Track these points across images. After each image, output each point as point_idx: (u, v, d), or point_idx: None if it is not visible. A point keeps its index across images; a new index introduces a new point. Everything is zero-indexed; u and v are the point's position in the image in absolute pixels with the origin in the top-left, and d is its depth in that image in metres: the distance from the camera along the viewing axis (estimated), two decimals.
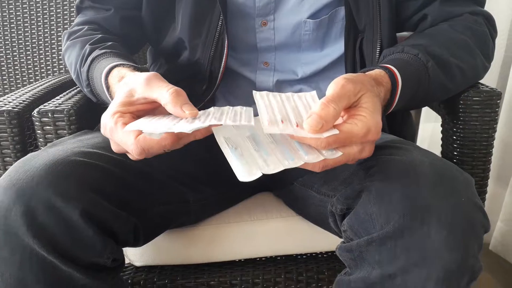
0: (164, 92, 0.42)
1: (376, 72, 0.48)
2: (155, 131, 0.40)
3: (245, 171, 0.38)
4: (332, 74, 0.66)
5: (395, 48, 0.55)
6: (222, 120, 0.41)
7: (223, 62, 0.61)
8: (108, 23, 0.66)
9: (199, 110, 0.67)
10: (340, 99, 0.40)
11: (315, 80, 0.67)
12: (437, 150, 0.68)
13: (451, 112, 0.62)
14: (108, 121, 0.42)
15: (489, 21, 0.62)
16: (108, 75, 0.53)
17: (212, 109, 0.45)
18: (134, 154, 0.41)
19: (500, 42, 1.12)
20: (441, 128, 0.66)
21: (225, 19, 0.59)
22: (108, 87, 0.53)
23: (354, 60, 0.62)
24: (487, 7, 0.97)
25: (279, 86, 0.67)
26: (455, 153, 0.62)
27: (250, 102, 0.68)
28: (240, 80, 0.67)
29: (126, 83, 0.46)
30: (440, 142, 0.67)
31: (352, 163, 0.43)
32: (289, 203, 0.68)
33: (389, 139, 0.56)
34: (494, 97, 0.59)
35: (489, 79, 1.13)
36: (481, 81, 0.64)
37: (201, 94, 0.64)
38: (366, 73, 0.48)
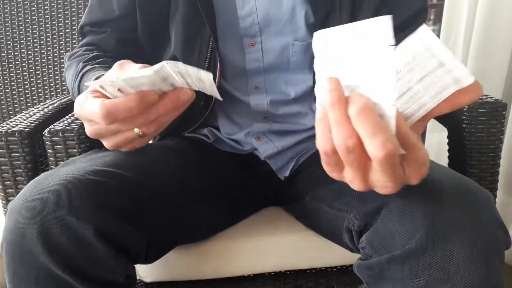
0: (134, 67, 0.42)
1: None
2: (113, 83, 0.38)
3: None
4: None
5: None
6: (181, 68, 0.40)
7: (217, 79, 0.62)
8: (104, 43, 0.68)
9: (199, 126, 0.69)
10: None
11: (308, 99, 0.67)
12: (444, 160, 0.68)
13: (457, 124, 0.62)
14: (80, 99, 0.42)
15: None
16: None
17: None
18: (99, 117, 0.40)
19: (504, 53, 1.12)
20: (446, 138, 0.67)
21: (215, 40, 0.60)
22: None
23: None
24: (492, 21, 0.98)
25: (275, 107, 0.67)
26: (462, 164, 0.62)
27: (250, 119, 0.70)
28: (236, 102, 0.68)
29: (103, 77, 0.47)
30: (447, 152, 0.68)
31: (393, 188, 0.35)
32: (300, 218, 0.68)
33: None
34: (499, 108, 0.59)
35: (495, 90, 1.14)
36: (486, 92, 0.64)
37: (199, 110, 0.65)
38: None
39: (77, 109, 0.43)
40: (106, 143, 0.44)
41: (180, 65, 0.39)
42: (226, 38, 0.62)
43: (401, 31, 0.59)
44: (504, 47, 1.12)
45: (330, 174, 0.35)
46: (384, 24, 0.30)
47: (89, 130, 0.44)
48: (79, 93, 0.59)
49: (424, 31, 0.32)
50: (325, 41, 0.35)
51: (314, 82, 0.64)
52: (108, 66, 0.59)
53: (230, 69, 0.65)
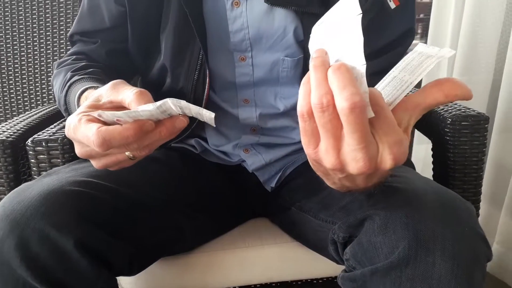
0: (128, 93, 0.42)
1: None
2: (114, 115, 0.39)
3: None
4: None
5: None
6: (184, 105, 0.40)
7: (206, 91, 0.62)
8: (94, 54, 0.67)
9: (186, 136, 0.68)
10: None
11: (296, 113, 0.67)
12: (430, 172, 0.69)
13: (441, 136, 0.63)
14: (72, 120, 0.41)
15: None
16: (80, 98, 0.53)
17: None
18: (95, 145, 0.39)
19: (489, 66, 1.14)
20: (431, 151, 0.67)
21: (205, 53, 0.60)
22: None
23: None
24: (476, 35, 1.00)
25: (264, 120, 0.67)
26: (446, 176, 0.63)
27: (238, 131, 0.70)
28: (225, 114, 0.68)
29: (93, 94, 0.46)
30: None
31: (368, 170, 0.33)
32: (286, 229, 0.68)
33: None
34: (482, 121, 0.60)
35: (479, 103, 1.16)
36: (470, 106, 0.65)
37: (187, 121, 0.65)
38: None
39: (69, 131, 0.41)
40: (95, 163, 0.43)
41: (183, 102, 0.40)
42: (217, 51, 0.62)
43: (390, 51, 0.60)
44: (488, 62, 1.14)
45: (307, 149, 0.35)
46: None
47: (79, 151, 0.43)
48: (65, 102, 0.58)
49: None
50: (315, 31, 0.38)
51: None
52: (97, 78, 0.58)
53: (220, 82, 0.65)
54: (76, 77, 0.58)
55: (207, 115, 0.42)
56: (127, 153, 0.42)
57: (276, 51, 0.62)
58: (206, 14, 0.60)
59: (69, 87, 0.58)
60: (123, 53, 0.67)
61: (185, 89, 0.63)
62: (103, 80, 0.58)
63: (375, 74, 0.62)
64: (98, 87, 0.53)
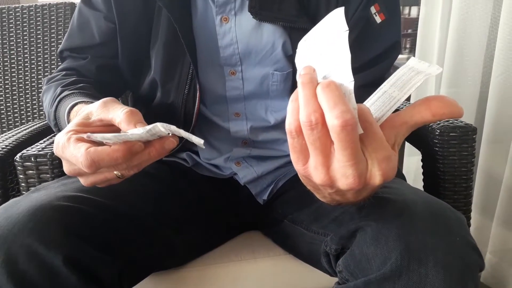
0: (118, 112, 0.42)
1: None
2: (104, 138, 0.39)
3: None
4: None
5: None
6: (173, 130, 0.41)
7: (196, 105, 0.62)
8: (84, 70, 0.67)
9: (178, 150, 0.68)
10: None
11: None
12: (421, 183, 0.69)
13: (430, 148, 0.64)
14: (61, 138, 0.41)
15: None
16: (70, 113, 0.53)
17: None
18: (83, 166, 0.39)
19: (475, 79, 1.17)
20: (421, 162, 0.68)
21: (195, 68, 0.61)
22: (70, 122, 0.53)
23: None
24: (462, 48, 1.02)
25: (255, 133, 0.68)
26: (437, 187, 0.63)
27: (229, 144, 0.70)
28: (216, 128, 0.68)
29: (83, 110, 0.46)
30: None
31: (357, 186, 0.33)
32: (279, 241, 0.68)
33: None
34: (469, 132, 0.61)
35: (467, 115, 1.17)
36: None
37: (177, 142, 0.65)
38: None
39: (58, 150, 0.41)
40: (83, 181, 0.43)
41: (172, 127, 0.41)
42: (207, 66, 0.63)
43: (377, 64, 0.61)
44: (475, 75, 1.17)
45: (296, 165, 0.35)
46: (338, 15, 0.33)
47: (68, 170, 0.43)
48: (55, 117, 0.58)
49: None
50: (301, 47, 0.38)
51: None
52: (87, 93, 0.58)
53: (210, 96, 0.65)
54: (66, 92, 0.58)
55: (196, 141, 0.42)
56: (115, 172, 0.42)
57: (266, 65, 0.62)
58: (196, 30, 0.61)
59: (59, 102, 0.58)
60: (113, 68, 0.67)
61: (175, 103, 0.63)
62: (93, 95, 0.58)
63: (362, 87, 0.63)
64: (88, 102, 0.53)
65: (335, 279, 0.52)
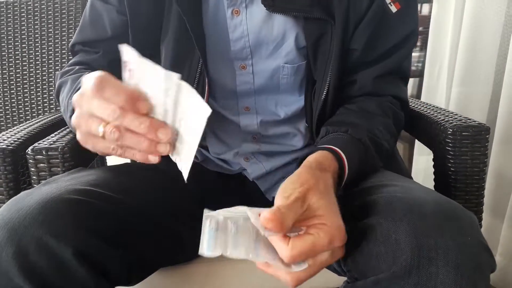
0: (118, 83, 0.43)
1: (323, 154, 0.49)
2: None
3: (209, 246, 0.37)
4: (304, 118, 0.67)
5: (338, 126, 0.56)
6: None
7: (204, 99, 0.62)
8: (97, 64, 0.68)
9: None
10: (289, 207, 0.38)
11: (297, 120, 0.68)
12: (431, 182, 0.69)
13: (442, 147, 0.63)
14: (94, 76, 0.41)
15: (405, 106, 0.66)
16: None
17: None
18: (90, 88, 0.40)
19: (488, 78, 1.15)
20: (433, 162, 0.67)
21: (204, 62, 0.61)
22: None
23: (311, 107, 0.64)
24: (475, 46, 1.01)
25: (265, 127, 0.67)
26: (448, 187, 0.63)
27: (239, 139, 0.70)
28: (226, 122, 0.68)
29: None
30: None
31: (326, 265, 0.42)
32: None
33: (388, 176, 0.56)
34: (483, 132, 0.60)
35: (480, 114, 1.16)
36: (470, 117, 0.65)
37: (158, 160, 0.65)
38: (310, 159, 0.48)
39: (78, 96, 0.42)
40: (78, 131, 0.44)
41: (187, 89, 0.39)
42: (217, 60, 0.63)
43: (394, 53, 0.61)
44: (487, 73, 1.15)
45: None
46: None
47: (83, 127, 0.43)
48: (73, 110, 0.58)
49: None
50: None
51: (304, 103, 0.65)
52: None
53: (220, 91, 0.65)
54: None
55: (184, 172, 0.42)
56: (99, 127, 0.41)
57: (276, 58, 0.62)
58: (206, 24, 0.61)
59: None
60: None
61: None
62: None
63: (380, 77, 0.63)
64: None
65: (343, 278, 0.52)
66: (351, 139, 0.53)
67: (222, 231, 0.38)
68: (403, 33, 0.61)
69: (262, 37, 0.61)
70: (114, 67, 0.68)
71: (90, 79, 0.41)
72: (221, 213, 0.40)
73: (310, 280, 0.65)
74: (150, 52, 0.65)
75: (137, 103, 0.40)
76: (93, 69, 0.67)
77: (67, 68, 0.68)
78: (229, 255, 0.37)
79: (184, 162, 0.42)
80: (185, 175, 0.42)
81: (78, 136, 0.44)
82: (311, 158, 0.48)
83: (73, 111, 0.58)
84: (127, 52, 0.41)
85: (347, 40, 0.60)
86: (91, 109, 0.41)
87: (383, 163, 0.59)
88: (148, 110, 0.41)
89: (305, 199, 0.40)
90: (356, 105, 0.62)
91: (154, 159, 0.42)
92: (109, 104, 0.40)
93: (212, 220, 0.38)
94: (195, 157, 0.71)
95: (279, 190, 0.41)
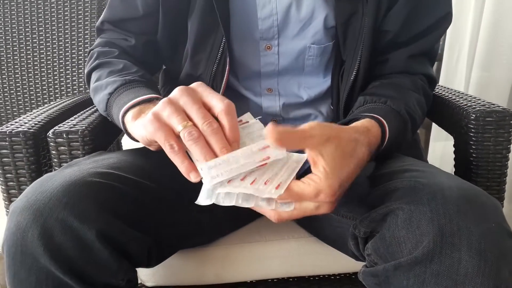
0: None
1: (371, 122, 0.50)
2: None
3: (202, 196, 0.43)
4: (329, 99, 0.67)
5: (377, 97, 0.56)
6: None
7: (224, 79, 0.62)
8: (132, 50, 0.67)
9: None
10: (299, 135, 0.40)
11: (319, 102, 0.67)
12: (448, 169, 0.67)
13: (463, 133, 0.62)
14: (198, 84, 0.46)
15: (433, 85, 0.67)
16: (124, 117, 0.54)
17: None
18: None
19: (510, 62, 1.12)
20: (451, 147, 0.66)
21: (228, 41, 0.60)
22: (123, 122, 0.54)
23: (338, 89, 0.64)
24: (496, 30, 0.98)
25: (286, 110, 0.67)
26: (468, 173, 0.62)
27: (260, 120, 0.69)
28: (247, 103, 0.67)
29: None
30: (451, 161, 0.67)
31: (309, 214, 0.44)
32: (303, 224, 0.68)
33: (409, 161, 0.56)
34: (507, 117, 0.59)
35: (501, 100, 1.13)
36: (491, 101, 0.64)
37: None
38: (357, 122, 0.50)
39: (178, 91, 0.45)
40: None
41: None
42: (242, 39, 0.62)
43: (428, 34, 0.61)
44: (509, 56, 1.12)
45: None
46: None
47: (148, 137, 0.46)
48: (107, 104, 0.58)
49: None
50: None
51: (331, 84, 0.65)
52: (144, 81, 0.60)
53: (244, 71, 0.65)
54: (123, 89, 0.58)
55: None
56: (181, 124, 0.42)
57: (303, 38, 0.61)
58: (235, 1, 0.60)
59: (117, 95, 0.57)
60: (155, 46, 0.67)
61: (204, 76, 0.63)
62: (150, 84, 0.60)
63: (412, 57, 0.63)
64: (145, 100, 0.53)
65: (360, 263, 0.52)
66: (391, 110, 0.54)
67: (215, 186, 0.43)
68: (439, 14, 0.61)
69: (290, 15, 0.60)
70: (149, 52, 0.68)
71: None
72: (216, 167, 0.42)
73: (327, 266, 0.66)
74: (179, 31, 0.64)
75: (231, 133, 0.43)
76: (128, 55, 0.67)
77: (106, 49, 0.66)
78: (221, 203, 0.43)
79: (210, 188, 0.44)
80: (203, 200, 0.44)
81: (147, 119, 0.44)
82: (359, 122, 0.49)
83: (106, 111, 0.59)
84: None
85: (379, 18, 0.59)
86: (186, 103, 0.44)
87: (407, 146, 0.59)
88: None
89: (323, 144, 0.41)
90: (390, 80, 0.62)
91: (194, 177, 0.44)
92: (205, 110, 0.44)
93: (205, 174, 0.42)
94: None
95: (313, 123, 0.41)
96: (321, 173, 0.41)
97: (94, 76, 0.64)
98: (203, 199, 0.43)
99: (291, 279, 0.68)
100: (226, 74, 0.61)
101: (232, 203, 0.43)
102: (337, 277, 0.68)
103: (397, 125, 0.53)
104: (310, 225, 0.66)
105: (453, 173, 0.66)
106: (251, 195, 0.43)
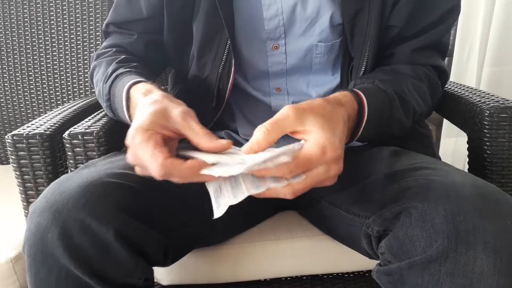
0: (200, 134, 0.43)
1: (343, 93, 0.50)
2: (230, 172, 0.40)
3: (216, 208, 0.42)
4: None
5: (366, 79, 0.57)
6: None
7: (230, 80, 0.62)
8: (133, 48, 0.68)
9: (216, 128, 0.68)
10: (277, 123, 0.42)
11: None
12: (459, 165, 0.67)
13: (477, 129, 0.61)
14: (138, 134, 0.42)
15: (442, 75, 0.66)
16: (130, 88, 0.54)
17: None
18: (155, 174, 0.41)
19: None
20: (463, 143, 0.66)
21: (234, 42, 0.60)
22: (128, 98, 0.54)
23: (348, 86, 0.64)
24: (508, 25, 0.97)
25: None
26: (482, 170, 0.61)
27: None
28: (257, 103, 0.68)
29: (159, 101, 0.45)
30: (463, 157, 0.67)
31: (327, 184, 0.43)
32: (316, 222, 0.68)
33: (422, 159, 0.55)
34: None
35: (511, 94, 1.12)
36: (503, 97, 0.64)
37: (211, 111, 0.65)
38: (329, 96, 0.49)
39: (133, 145, 0.42)
40: (139, 171, 0.44)
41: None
42: (249, 40, 0.63)
43: (435, 27, 0.61)
44: None
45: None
46: None
47: (133, 161, 0.43)
48: (109, 93, 0.59)
49: None
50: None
51: (340, 82, 0.65)
52: (141, 72, 0.59)
53: (252, 71, 0.65)
54: (122, 69, 0.59)
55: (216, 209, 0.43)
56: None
57: (310, 36, 0.62)
58: (239, 3, 0.60)
59: (115, 77, 0.58)
60: (159, 45, 0.68)
61: (210, 77, 0.63)
62: (147, 76, 0.59)
63: (417, 50, 0.62)
64: (149, 82, 0.54)
65: (374, 262, 0.52)
66: (377, 88, 0.54)
67: (222, 194, 0.43)
68: (445, 7, 0.60)
69: (296, 15, 0.60)
70: (151, 49, 0.68)
71: (152, 164, 0.41)
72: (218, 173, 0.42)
73: (340, 264, 0.66)
74: (184, 33, 0.65)
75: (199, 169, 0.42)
76: (128, 52, 0.68)
77: (102, 50, 0.68)
78: (235, 202, 0.42)
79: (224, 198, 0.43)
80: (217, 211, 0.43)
81: (129, 155, 0.44)
82: (330, 96, 0.49)
83: (108, 95, 0.59)
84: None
85: (385, 13, 0.59)
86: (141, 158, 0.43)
87: (412, 125, 0.59)
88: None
89: (302, 118, 0.41)
90: (389, 67, 0.62)
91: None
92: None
93: (211, 188, 0.43)
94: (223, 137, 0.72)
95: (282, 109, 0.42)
96: (314, 131, 0.41)
97: (94, 75, 0.66)
98: (216, 212, 0.43)
99: (304, 277, 0.68)
100: (231, 75, 0.62)
101: (244, 194, 0.41)
102: (351, 275, 0.68)
103: (382, 103, 0.53)
104: (323, 224, 0.66)
105: (465, 170, 0.66)
106: (259, 180, 0.42)
